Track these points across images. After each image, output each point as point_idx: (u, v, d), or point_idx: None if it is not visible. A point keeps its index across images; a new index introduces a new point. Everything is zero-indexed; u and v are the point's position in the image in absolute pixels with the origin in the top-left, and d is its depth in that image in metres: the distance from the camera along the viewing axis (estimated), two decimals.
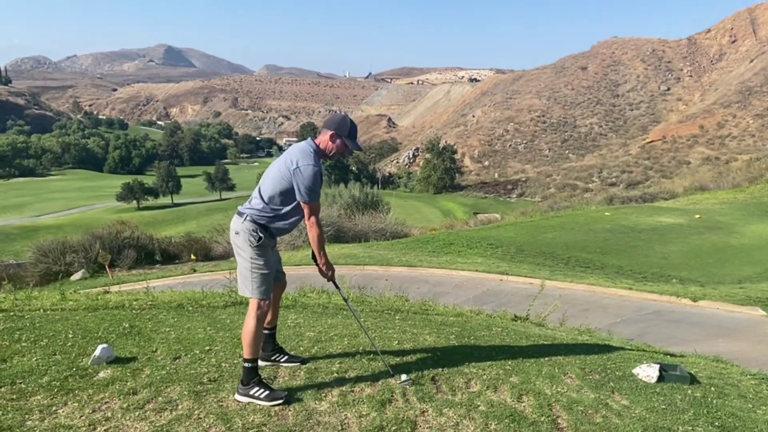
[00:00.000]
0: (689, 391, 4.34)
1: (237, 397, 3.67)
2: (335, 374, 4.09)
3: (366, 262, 15.96)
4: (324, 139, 3.87)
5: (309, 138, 3.93)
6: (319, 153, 3.85)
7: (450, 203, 79.16)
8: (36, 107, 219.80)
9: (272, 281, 3.90)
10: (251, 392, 3.65)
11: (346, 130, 3.86)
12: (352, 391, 3.82)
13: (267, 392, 3.65)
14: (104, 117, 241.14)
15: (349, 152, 4.02)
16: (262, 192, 3.83)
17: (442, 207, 74.89)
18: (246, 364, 3.72)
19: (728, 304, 11.01)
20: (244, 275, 3.80)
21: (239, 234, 3.80)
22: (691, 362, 5.55)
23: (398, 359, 4.45)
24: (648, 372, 4.52)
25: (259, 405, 3.60)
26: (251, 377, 3.69)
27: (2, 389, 3.71)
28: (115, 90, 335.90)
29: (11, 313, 5.60)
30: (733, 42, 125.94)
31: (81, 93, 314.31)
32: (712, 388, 4.50)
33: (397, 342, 4.96)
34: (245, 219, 3.80)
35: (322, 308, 6.54)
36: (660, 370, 4.51)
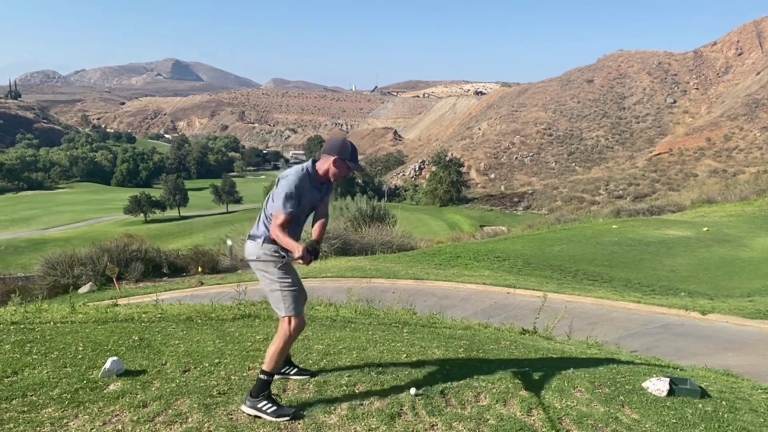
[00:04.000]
0: (700, 405, 4.31)
1: (244, 408, 3.67)
2: (344, 387, 4.09)
3: (373, 274, 15.95)
4: (326, 164, 3.86)
5: (311, 160, 3.94)
6: (313, 175, 3.85)
7: (456, 216, 79.15)
8: (45, 121, 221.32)
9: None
10: (259, 405, 3.65)
11: (348, 153, 3.88)
12: (362, 405, 3.83)
13: (275, 408, 3.66)
14: (112, 130, 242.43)
15: (351, 173, 4.04)
16: (266, 212, 3.85)
17: (448, 219, 74.87)
18: (262, 376, 3.73)
19: (738, 318, 10.94)
20: (275, 297, 3.80)
21: (260, 258, 3.81)
22: (701, 376, 5.52)
23: (407, 373, 4.45)
24: (658, 386, 4.49)
25: (266, 420, 3.61)
26: (262, 390, 3.70)
27: (14, 401, 3.74)
28: (123, 104, 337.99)
29: (22, 326, 5.64)
30: (740, 55, 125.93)
31: (89, 107, 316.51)
32: (723, 402, 4.47)
33: (405, 355, 4.95)
34: (263, 242, 3.80)
35: (330, 321, 6.54)
36: (670, 384, 4.48)
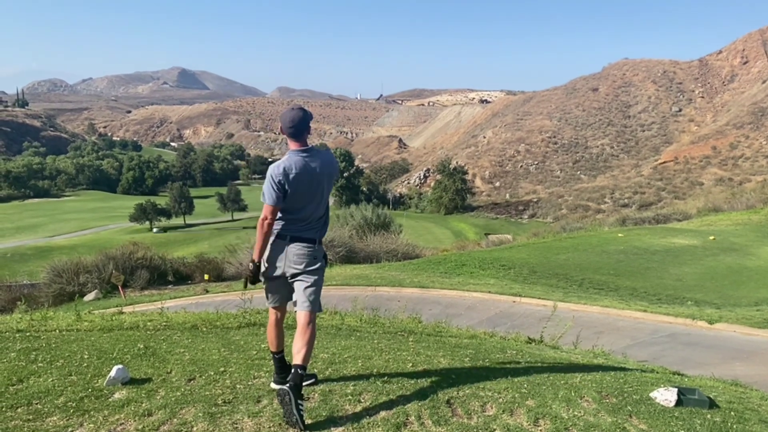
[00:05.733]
0: (708, 416, 4.27)
1: (288, 389, 3.61)
2: (349, 397, 4.06)
3: (378, 283, 15.93)
4: None
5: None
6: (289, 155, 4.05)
7: (461, 224, 79.08)
8: (51, 129, 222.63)
9: None
10: (300, 401, 3.60)
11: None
12: (367, 414, 3.80)
13: (302, 411, 3.61)
14: (118, 139, 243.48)
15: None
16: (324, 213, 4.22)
17: (453, 228, 74.80)
18: (302, 371, 3.75)
19: (745, 327, 10.87)
20: (318, 292, 4.06)
21: (317, 258, 4.08)
22: (710, 386, 5.47)
23: (413, 382, 4.42)
24: (666, 396, 4.45)
25: (293, 413, 3.54)
26: (302, 380, 3.75)
27: (19, 410, 3.73)
28: (129, 112, 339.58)
29: (27, 334, 5.64)
30: (745, 63, 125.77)
31: (96, 115, 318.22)
32: (732, 413, 4.43)
33: (411, 364, 4.93)
34: (319, 243, 4.11)
35: (336, 329, 6.52)
36: (678, 394, 4.44)
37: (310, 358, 3.90)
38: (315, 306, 3.99)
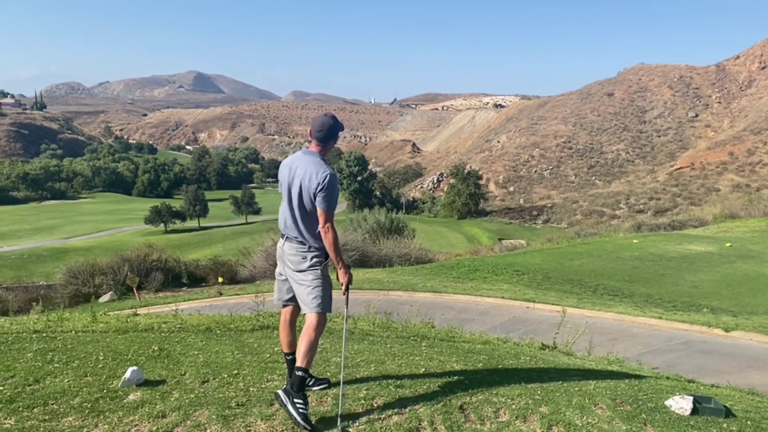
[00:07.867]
0: (725, 425, 4.22)
1: (280, 393, 3.76)
2: (362, 401, 4.06)
3: (390, 287, 15.92)
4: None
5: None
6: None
7: (474, 229, 78.74)
8: (69, 132, 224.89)
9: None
10: (296, 400, 3.68)
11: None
12: (380, 419, 3.80)
13: (305, 411, 3.67)
14: (134, 141, 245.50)
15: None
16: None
17: (466, 232, 74.52)
18: (300, 373, 3.78)
19: (762, 335, 10.73)
20: (317, 292, 3.99)
21: (306, 258, 4.06)
22: (726, 395, 5.41)
23: (425, 387, 4.41)
24: (681, 404, 4.41)
25: (291, 413, 3.63)
26: (303, 386, 3.77)
27: (35, 410, 3.77)
28: (145, 115, 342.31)
29: (44, 335, 5.70)
30: (763, 68, 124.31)
31: (112, 118, 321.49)
32: (749, 422, 4.38)
33: (424, 369, 4.93)
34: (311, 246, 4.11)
35: (348, 333, 6.52)
36: (694, 403, 4.40)
37: (310, 360, 3.89)
38: (318, 307, 3.93)
